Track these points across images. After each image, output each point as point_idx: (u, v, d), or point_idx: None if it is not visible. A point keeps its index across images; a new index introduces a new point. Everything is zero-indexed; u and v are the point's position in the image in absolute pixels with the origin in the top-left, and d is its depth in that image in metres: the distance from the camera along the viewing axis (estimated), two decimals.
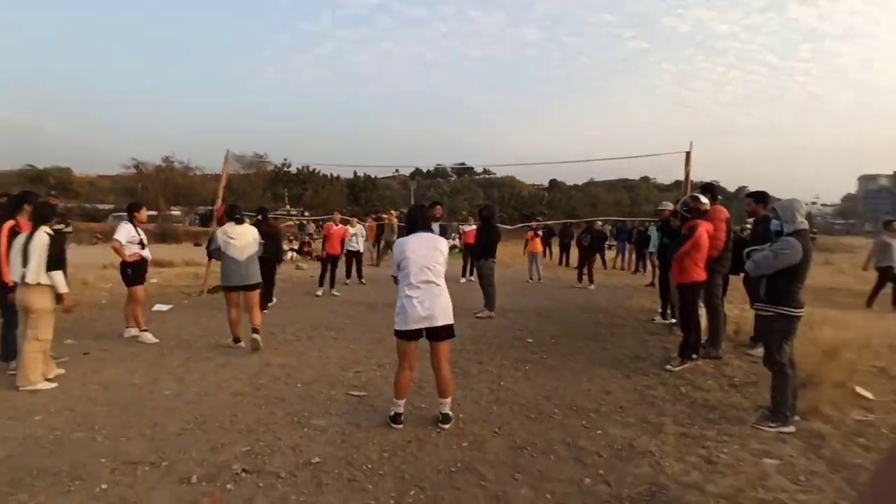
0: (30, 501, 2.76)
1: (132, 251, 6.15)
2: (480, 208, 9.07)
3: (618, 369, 5.28)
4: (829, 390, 4.31)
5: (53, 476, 3.01)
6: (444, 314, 3.73)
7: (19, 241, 4.58)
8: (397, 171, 68.36)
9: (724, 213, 5.90)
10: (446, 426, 3.77)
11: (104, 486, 2.92)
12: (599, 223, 15.02)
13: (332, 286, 10.23)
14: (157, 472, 3.09)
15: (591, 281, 11.64)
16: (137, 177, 43.66)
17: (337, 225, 10.64)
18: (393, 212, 18.81)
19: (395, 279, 3.85)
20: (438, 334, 3.76)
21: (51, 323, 4.67)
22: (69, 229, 8.43)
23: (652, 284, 11.42)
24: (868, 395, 4.44)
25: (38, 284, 4.51)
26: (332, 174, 50.18)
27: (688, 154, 9.14)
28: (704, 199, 5.43)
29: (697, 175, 8.75)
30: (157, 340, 6.12)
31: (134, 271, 6.21)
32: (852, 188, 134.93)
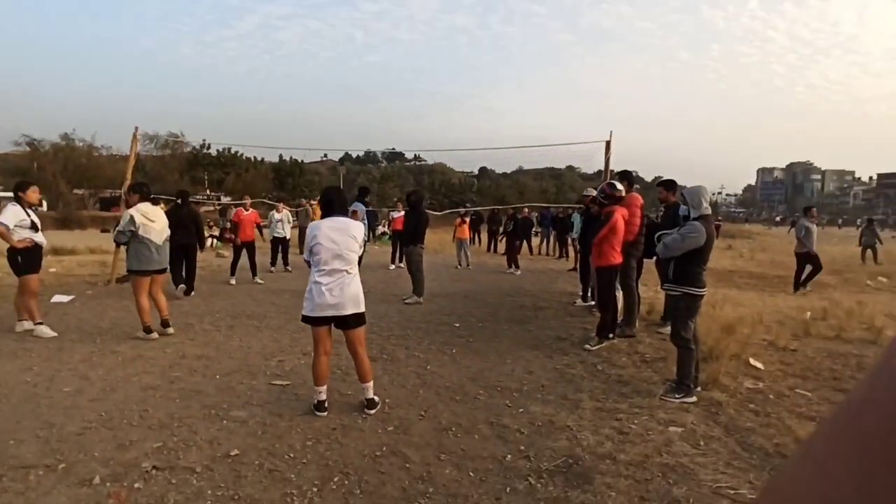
0: None
1: (22, 236, 5.57)
2: (408, 194, 8.99)
3: (540, 350, 5.46)
4: (726, 363, 4.70)
5: None
6: (353, 303, 3.68)
7: None
8: (326, 155, 66.69)
9: (638, 199, 6.22)
10: (372, 411, 3.75)
11: None
12: (526, 210, 15.43)
13: (253, 274, 9.80)
14: (54, 476, 2.85)
15: (516, 266, 11.93)
16: (31, 155, 39.70)
17: (248, 210, 10.12)
18: (313, 201, 18.20)
19: (309, 263, 3.74)
20: (347, 322, 3.70)
21: None
22: None
23: (574, 269, 11.88)
24: (759, 365, 4.87)
25: None
26: (255, 157, 48.18)
27: (608, 143, 9.55)
28: (620, 186, 5.69)
29: (617, 164, 9.15)
30: (55, 334, 5.62)
31: (25, 258, 5.63)
32: (752, 179, 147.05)
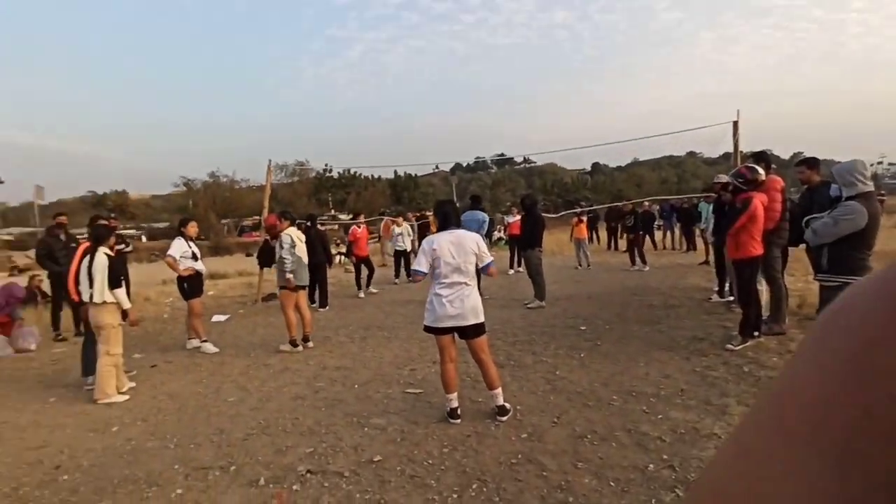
0: None
1: (186, 265, 6.41)
2: (522, 198, 8.92)
3: (675, 351, 5.11)
4: None
5: (133, 483, 3.18)
6: (473, 314, 3.74)
7: (84, 263, 4.87)
8: (437, 167, 68.53)
9: (778, 182, 5.59)
10: (504, 418, 3.75)
11: (179, 492, 3.06)
12: (646, 203, 14.62)
13: (367, 285, 10.39)
14: (227, 477, 3.21)
15: (643, 262, 11.33)
16: (187, 194, 45.63)
17: (360, 228, 10.81)
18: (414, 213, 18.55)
19: (417, 273, 3.77)
20: (467, 333, 3.76)
21: (119, 338, 4.94)
22: (129, 249, 8.91)
23: (706, 262, 11.01)
24: None
25: (104, 303, 4.78)
26: (373, 175, 50.89)
27: (735, 123, 8.75)
28: (760, 170, 5.16)
29: (747, 144, 8.37)
30: (217, 350, 6.37)
31: (190, 285, 6.48)
32: None
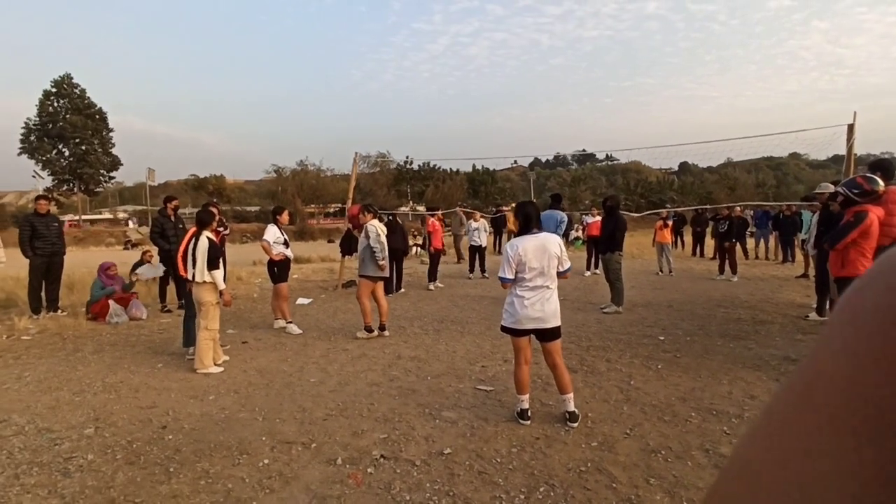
0: (211, 469, 3.23)
1: (278, 251, 6.84)
2: (604, 199, 8.69)
3: (763, 371, 4.83)
4: None
5: (226, 449, 3.49)
6: (553, 317, 3.77)
7: (189, 245, 5.36)
8: (515, 161, 68.05)
9: None
10: (574, 424, 3.74)
11: (266, 462, 3.32)
12: (738, 209, 13.76)
13: (434, 278, 10.59)
14: (308, 453, 3.44)
15: (733, 272, 10.70)
16: (277, 180, 48.26)
17: (439, 221, 11.10)
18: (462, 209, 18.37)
19: (505, 281, 3.79)
20: (546, 335, 3.78)
21: (217, 315, 5.38)
22: (228, 232, 9.62)
23: (804, 276, 10.23)
24: None
25: (204, 282, 5.23)
26: (451, 169, 51.36)
27: (850, 126, 8.02)
28: (879, 181, 4.72)
29: (861, 147, 7.67)
30: (301, 332, 6.76)
31: (279, 269, 6.92)
32: None
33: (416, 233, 20.52)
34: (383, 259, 6.29)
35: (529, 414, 3.83)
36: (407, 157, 47.36)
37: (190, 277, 5.33)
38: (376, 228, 6.36)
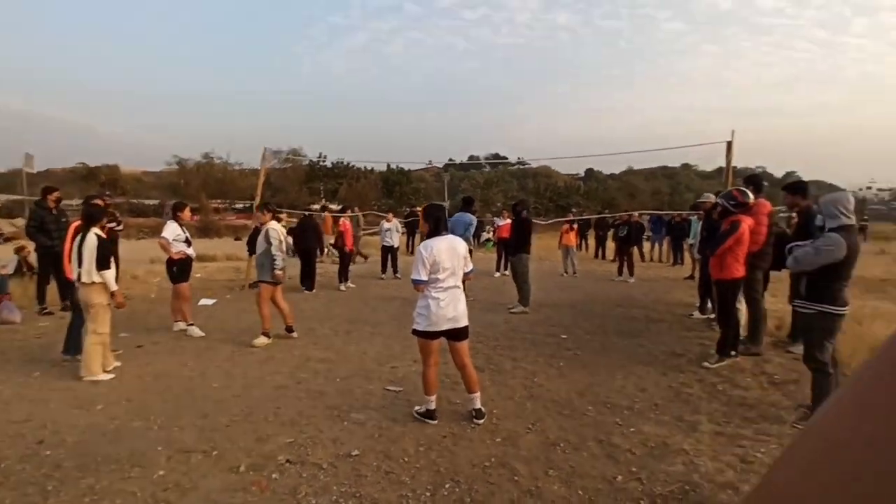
0: (97, 485, 3.00)
1: (178, 249, 6.44)
2: (514, 203, 9.03)
3: (653, 366, 5.25)
4: None
5: (116, 462, 3.25)
6: (463, 316, 3.92)
7: (75, 243, 4.90)
8: (430, 162, 68.42)
9: (766, 206, 5.76)
10: (480, 421, 3.87)
11: (161, 473, 3.13)
12: (636, 215, 14.80)
13: (345, 279, 10.51)
14: (209, 461, 3.29)
15: (631, 273, 11.49)
16: (180, 173, 45.19)
17: (349, 221, 11.07)
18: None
19: (418, 283, 3.82)
20: (457, 335, 3.89)
21: (107, 317, 4.97)
22: (120, 227, 8.89)
23: (691, 277, 11.20)
24: None
25: (93, 283, 4.82)
26: (366, 167, 50.73)
27: (729, 143, 8.92)
28: (750, 194, 5.31)
29: (741, 160, 8.59)
30: (203, 334, 6.41)
31: (180, 268, 6.51)
32: None
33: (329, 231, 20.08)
34: (281, 269, 6.03)
35: (436, 414, 3.91)
36: (320, 154, 46.16)
37: (76, 278, 4.88)
38: (278, 234, 6.12)
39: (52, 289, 7.71)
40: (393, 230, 11.77)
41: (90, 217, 5.01)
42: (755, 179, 6.24)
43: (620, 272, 11.76)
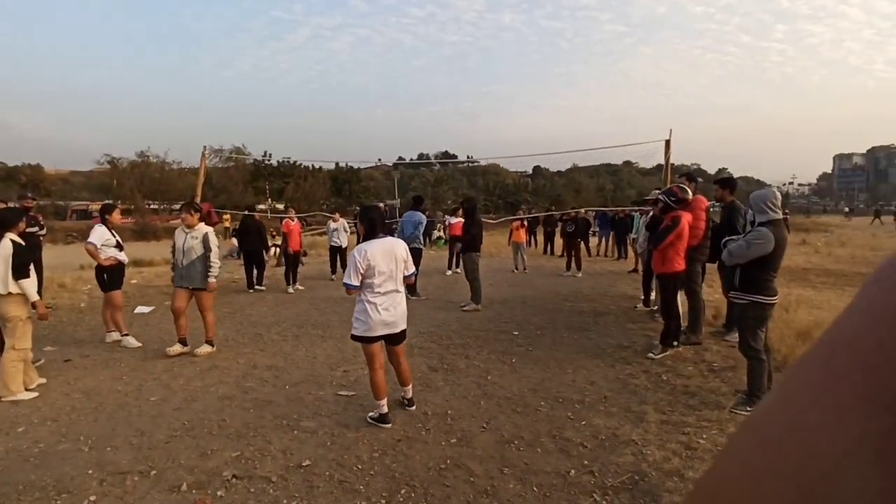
0: None
1: (108, 254, 6.04)
2: (462, 201, 9.06)
3: (602, 359, 5.37)
4: None
5: (40, 490, 3.00)
6: (403, 320, 3.88)
7: None
8: (380, 160, 67.91)
9: (703, 202, 6.01)
10: (412, 407, 4.06)
11: (92, 499, 2.92)
12: (583, 211, 15.16)
13: (294, 281, 10.23)
14: (147, 482, 3.09)
15: (578, 268, 11.75)
16: (112, 172, 42.74)
17: (294, 221, 10.77)
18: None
19: (350, 287, 3.71)
20: (397, 339, 3.88)
21: (28, 331, 4.61)
22: (43, 232, 8.29)
23: (635, 270, 11.57)
24: None
25: (10, 294, 4.46)
26: (313, 166, 49.75)
27: (667, 142, 9.28)
28: (689, 190, 5.52)
29: (678, 157, 8.91)
30: (139, 344, 6.06)
31: (110, 276, 6.12)
32: (828, 167, 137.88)
33: (274, 233, 19.53)
34: (215, 277, 5.70)
35: (390, 418, 3.84)
36: (265, 153, 44.77)
37: None
38: (215, 238, 5.79)
39: None
40: (340, 230, 11.54)
41: (4, 222, 4.62)
42: (692, 176, 6.51)
43: (569, 267, 12.01)
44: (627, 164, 78.65)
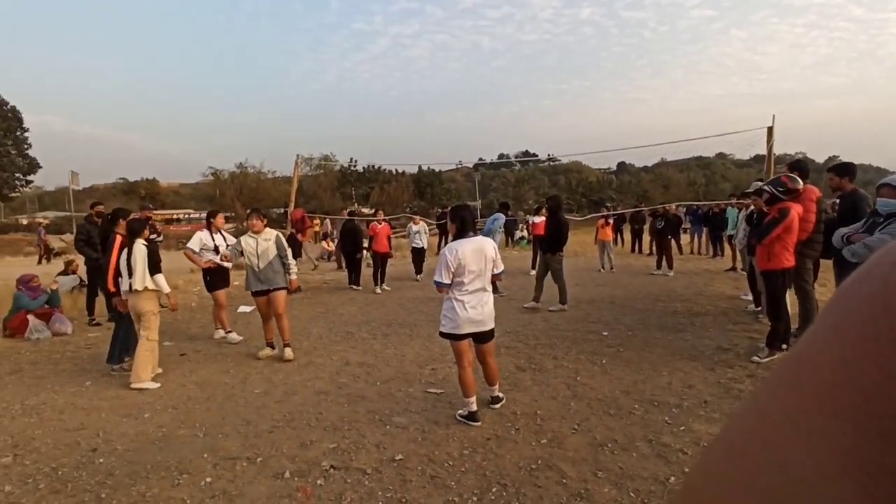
0: (147, 492, 3.05)
1: (207, 258, 6.55)
2: (547, 199, 8.92)
3: (700, 361, 5.07)
4: None
5: (164, 470, 3.30)
6: (490, 319, 3.88)
7: (122, 256, 5.12)
8: (461, 162, 68.44)
9: (814, 192, 5.49)
10: (497, 406, 4.04)
11: (208, 480, 3.17)
12: (673, 206, 14.41)
13: (381, 281, 10.49)
14: (254, 468, 3.31)
15: (669, 267, 11.19)
16: (215, 183, 46.44)
17: (381, 224, 11.00)
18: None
19: (441, 286, 3.78)
20: (485, 337, 3.88)
21: (157, 324, 5.18)
22: (160, 238, 9.15)
23: (733, 269, 10.83)
24: None
25: (145, 289, 5.04)
26: (396, 170, 51.12)
27: (769, 129, 8.59)
28: (799, 180, 5.06)
29: (780, 147, 8.21)
30: (241, 338, 6.51)
31: (212, 277, 6.65)
32: None
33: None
34: (295, 274, 5.88)
35: (479, 416, 3.85)
36: (351, 159, 46.71)
37: (126, 288, 5.07)
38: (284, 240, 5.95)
39: (101, 300, 7.97)
40: (421, 232, 11.84)
41: (133, 231, 5.19)
42: (800, 165, 5.95)
43: (659, 265, 11.46)
44: (721, 155, 73.81)
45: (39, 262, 20.49)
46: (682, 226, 15.91)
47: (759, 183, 7.39)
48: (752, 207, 6.86)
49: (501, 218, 9.41)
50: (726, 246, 12.86)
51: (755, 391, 0.29)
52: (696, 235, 15.94)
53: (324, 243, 17.91)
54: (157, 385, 4.95)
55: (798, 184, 4.98)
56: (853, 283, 0.26)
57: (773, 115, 8.57)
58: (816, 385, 0.24)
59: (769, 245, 4.91)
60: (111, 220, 5.83)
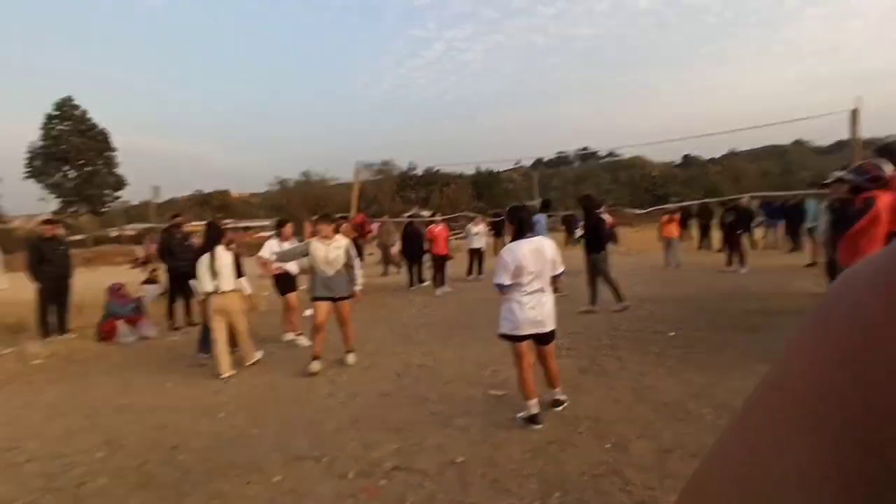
0: (223, 488, 3.23)
1: (277, 265, 6.85)
2: (579, 198, 8.77)
3: None
4: None
5: (238, 468, 3.48)
6: (551, 320, 3.83)
7: (204, 260, 5.67)
8: (518, 162, 67.84)
9: None
10: (559, 409, 3.99)
11: (279, 478, 3.31)
12: (744, 199, 13.66)
13: (442, 283, 10.53)
14: (320, 467, 3.43)
15: (742, 263, 10.62)
16: (282, 192, 48.53)
17: (438, 227, 11.07)
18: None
19: (501, 288, 3.79)
20: (543, 339, 3.83)
21: (245, 320, 5.91)
22: (234, 246, 9.67)
23: (813, 264, 10.12)
24: None
25: (233, 290, 5.71)
26: (455, 172, 51.39)
27: (854, 112, 7.97)
28: (888, 166, 4.65)
29: (865, 131, 7.58)
30: (310, 343, 6.74)
31: (282, 282, 6.96)
32: None
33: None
34: (361, 287, 5.89)
35: (541, 418, 3.80)
36: (410, 163, 47.45)
37: (212, 289, 5.64)
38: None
39: (180, 307, 8.50)
40: (481, 234, 12.01)
41: (216, 237, 5.83)
42: (891, 148, 5.46)
43: (730, 262, 10.90)
44: (798, 143, 69.12)
45: (134, 267, 22.10)
46: (756, 219, 15.02)
47: (840, 172, 6.88)
48: (830, 197, 6.38)
49: (542, 220, 9.08)
50: (806, 240, 12.07)
51: (745, 403, 0.30)
52: (770, 229, 15.04)
53: (392, 249, 18.27)
54: (233, 372, 5.55)
55: (885, 171, 4.58)
56: (830, 301, 0.27)
57: (859, 97, 7.92)
58: (798, 408, 0.25)
59: (852, 239, 4.55)
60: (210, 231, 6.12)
